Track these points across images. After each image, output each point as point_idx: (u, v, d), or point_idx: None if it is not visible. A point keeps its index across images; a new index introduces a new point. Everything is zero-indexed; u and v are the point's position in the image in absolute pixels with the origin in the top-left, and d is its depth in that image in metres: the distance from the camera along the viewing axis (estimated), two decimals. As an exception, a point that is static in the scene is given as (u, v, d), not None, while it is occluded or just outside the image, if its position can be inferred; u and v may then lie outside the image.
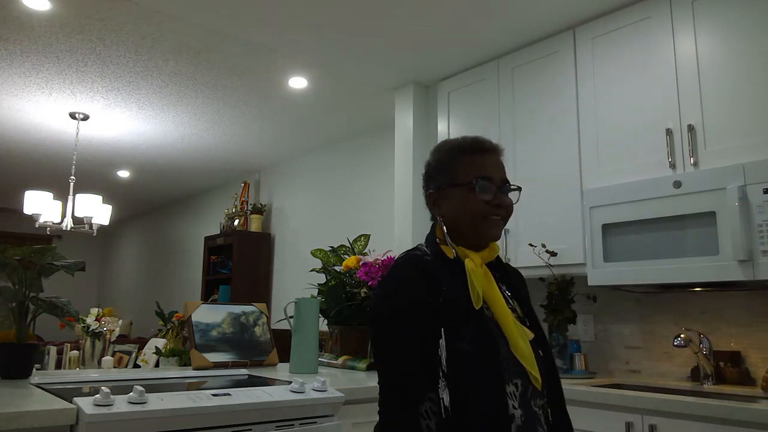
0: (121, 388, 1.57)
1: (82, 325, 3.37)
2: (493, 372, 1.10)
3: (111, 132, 5.01)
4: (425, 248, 1.26)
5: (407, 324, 1.14)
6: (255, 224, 5.89)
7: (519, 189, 1.26)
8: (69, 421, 1.35)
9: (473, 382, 1.09)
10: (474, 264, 1.19)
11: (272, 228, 5.97)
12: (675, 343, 2.34)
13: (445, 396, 1.08)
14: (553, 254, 2.67)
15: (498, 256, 1.30)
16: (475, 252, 1.23)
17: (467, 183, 1.22)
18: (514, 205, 1.26)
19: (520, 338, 1.15)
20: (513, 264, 2.82)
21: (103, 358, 3.07)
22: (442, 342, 1.11)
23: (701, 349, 2.38)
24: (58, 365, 3.41)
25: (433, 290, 1.15)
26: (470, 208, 1.21)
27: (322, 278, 2.87)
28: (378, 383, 1.16)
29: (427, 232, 1.31)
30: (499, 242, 1.31)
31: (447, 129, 3.34)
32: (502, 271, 1.32)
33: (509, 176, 1.28)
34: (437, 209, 1.28)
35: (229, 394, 1.58)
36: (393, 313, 1.17)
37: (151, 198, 7.80)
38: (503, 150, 1.30)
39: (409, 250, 1.27)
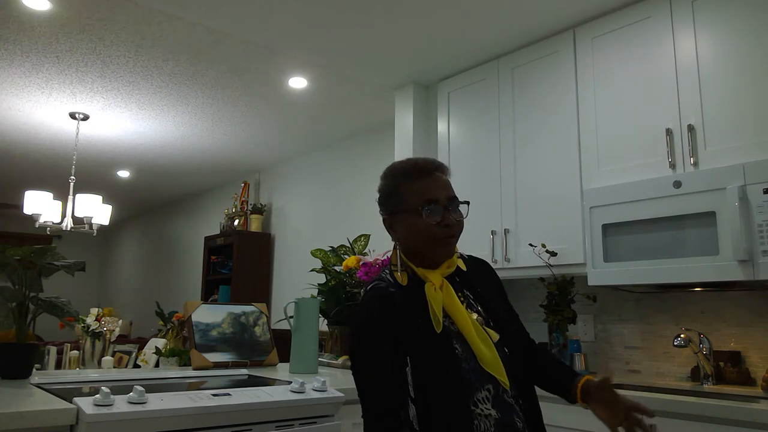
0: (121, 388, 1.57)
1: (82, 325, 3.36)
2: (458, 387, 1.18)
3: (111, 132, 5.01)
4: (389, 277, 1.33)
5: (376, 358, 1.21)
6: (255, 224, 5.89)
7: (467, 203, 1.32)
8: (69, 421, 1.35)
9: (439, 401, 1.16)
10: (433, 286, 1.27)
11: (272, 228, 5.97)
12: (675, 343, 2.34)
13: (414, 421, 1.16)
14: (553, 254, 2.67)
15: (460, 259, 1.37)
16: (433, 270, 1.30)
17: (414, 208, 1.27)
18: (464, 218, 1.32)
19: (483, 347, 1.23)
20: (513, 264, 2.83)
21: (103, 358, 3.07)
22: (409, 369, 1.19)
23: (701, 349, 2.37)
24: (58, 365, 3.40)
25: (397, 320, 1.23)
26: (420, 231, 1.27)
27: (322, 278, 2.87)
28: (362, 416, 1.22)
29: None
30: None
31: (447, 129, 3.34)
32: (464, 276, 1.37)
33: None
34: (393, 233, 1.35)
35: (229, 394, 1.58)
36: (363, 350, 1.24)
37: (151, 198, 7.80)
38: (448, 168, 1.36)
39: (375, 279, 1.34)
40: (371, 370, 1.22)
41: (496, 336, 1.27)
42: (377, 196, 1.38)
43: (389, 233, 1.36)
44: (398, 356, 1.20)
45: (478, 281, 1.39)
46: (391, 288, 1.29)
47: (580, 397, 1.31)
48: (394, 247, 1.34)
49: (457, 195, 1.33)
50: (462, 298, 1.31)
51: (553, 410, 2.15)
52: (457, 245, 1.36)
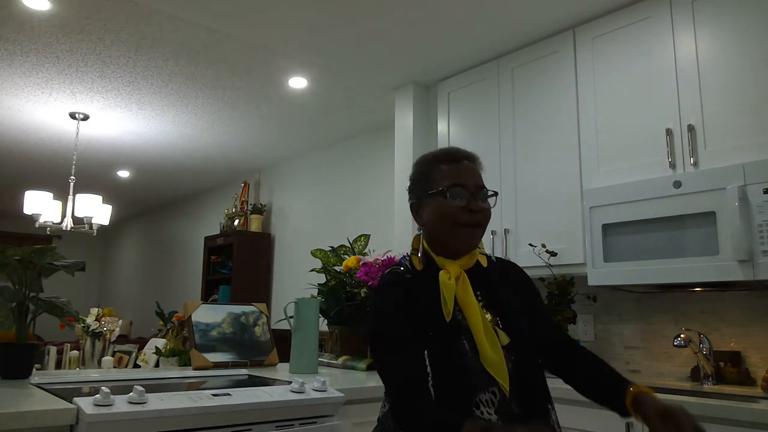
0: (121, 388, 1.57)
1: (82, 325, 3.36)
2: (457, 381, 1.17)
3: (111, 132, 5.01)
4: (407, 263, 1.33)
5: (398, 334, 1.21)
6: (255, 224, 5.89)
7: (495, 194, 1.32)
8: (69, 421, 1.35)
9: (441, 391, 1.16)
10: (448, 275, 1.25)
11: (272, 228, 5.97)
12: (675, 343, 2.34)
13: None
14: (553, 254, 2.67)
15: (487, 257, 1.37)
16: (453, 260, 1.29)
17: (441, 190, 1.28)
18: (491, 210, 1.31)
19: (488, 346, 1.20)
20: (513, 264, 2.83)
21: (103, 358, 3.06)
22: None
23: (701, 349, 2.37)
24: (58, 365, 3.40)
25: (410, 304, 1.23)
26: (445, 213, 1.27)
27: (322, 278, 2.86)
28: (386, 394, 1.24)
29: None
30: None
31: (447, 129, 3.34)
32: (485, 275, 1.34)
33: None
34: (419, 219, 1.35)
35: (229, 394, 1.58)
36: (384, 327, 1.24)
37: (151, 198, 7.80)
38: (479, 159, 1.36)
39: (394, 264, 1.35)
40: (393, 346, 1.21)
41: (505, 339, 1.25)
42: (408, 184, 1.40)
43: (415, 219, 1.36)
44: (416, 343, 1.20)
45: (502, 283, 1.36)
46: (408, 275, 1.30)
47: (632, 409, 1.17)
48: (418, 233, 1.36)
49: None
50: (480, 297, 1.29)
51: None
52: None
